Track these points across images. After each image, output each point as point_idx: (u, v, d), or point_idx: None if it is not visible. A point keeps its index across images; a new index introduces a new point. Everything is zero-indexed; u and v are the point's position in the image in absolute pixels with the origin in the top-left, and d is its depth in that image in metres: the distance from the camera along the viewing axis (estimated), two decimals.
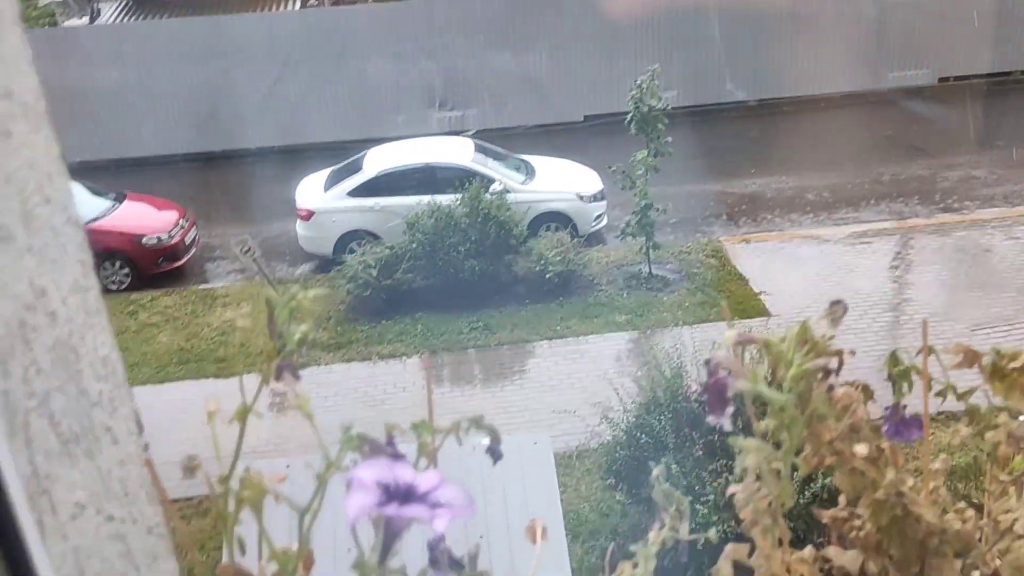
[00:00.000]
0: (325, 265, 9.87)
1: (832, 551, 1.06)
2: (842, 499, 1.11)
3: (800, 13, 12.97)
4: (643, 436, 6.81)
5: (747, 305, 8.50)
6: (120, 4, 15.27)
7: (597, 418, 6.80)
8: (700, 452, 6.58)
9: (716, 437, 6.54)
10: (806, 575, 1.03)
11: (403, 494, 0.70)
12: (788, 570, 1.03)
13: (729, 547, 1.00)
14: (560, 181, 10.12)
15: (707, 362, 0.90)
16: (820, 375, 0.87)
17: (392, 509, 0.68)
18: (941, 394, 1.13)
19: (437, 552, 0.81)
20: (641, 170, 8.63)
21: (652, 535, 1.13)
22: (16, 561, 0.64)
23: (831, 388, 0.87)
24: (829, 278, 8.89)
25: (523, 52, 13.04)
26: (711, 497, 6.15)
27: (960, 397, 1.10)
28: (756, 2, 12.83)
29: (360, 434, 0.86)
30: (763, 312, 8.33)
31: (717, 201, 10.79)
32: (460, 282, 8.98)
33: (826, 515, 1.08)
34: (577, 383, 7.71)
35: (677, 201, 10.04)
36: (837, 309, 0.86)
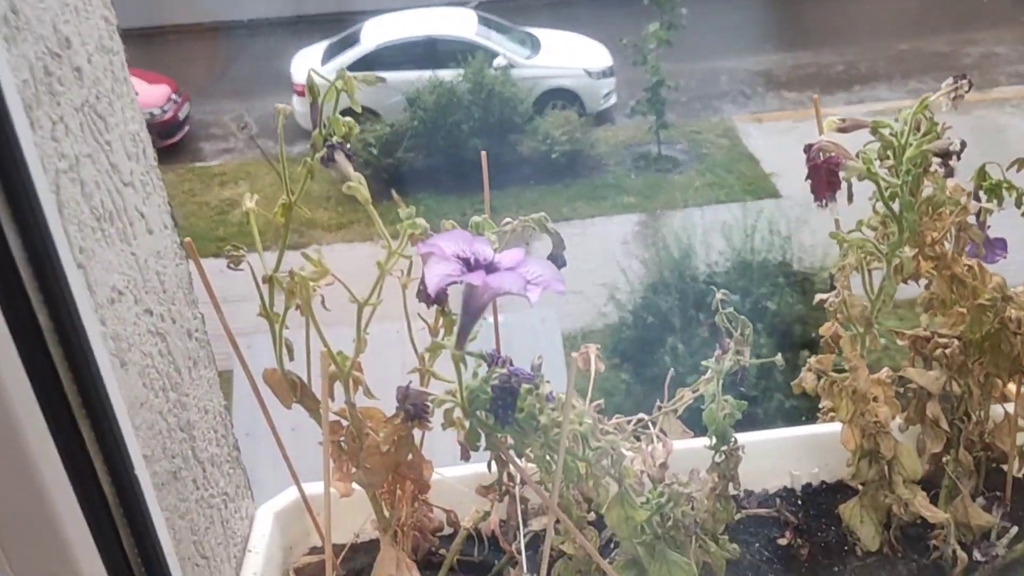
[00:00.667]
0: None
1: (912, 371, 0.99)
2: (924, 318, 1.04)
3: None
4: (649, 317, 6.80)
5: (757, 186, 8.37)
6: None
7: (603, 299, 6.77)
8: (706, 333, 6.59)
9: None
10: (882, 397, 0.96)
11: (486, 268, 0.62)
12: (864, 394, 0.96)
13: (812, 359, 0.94)
14: (567, 56, 9.78)
15: (807, 148, 0.81)
16: (934, 161, 0.78)
17: (478, 278, 0.60)
18: None
19: (498, 361, 0.74)
20: (653, 44, 8.33)
21: (717, 356, 1.07)
22: (68, 337, 0.56)
23: (950, 173, 0.78)
24: None
25: None
26: None
27: None
28: None
29: (422, 223, 0.78)
30: (773, 193, 8.21)
31: (730, 78, 10.47)
32: (463, 162, 8.76)
33: (907, 335, 1.01)
34: (583, 265, 7.64)
35: (689, 78, 9.75)
36: (962, 84, 0.77)
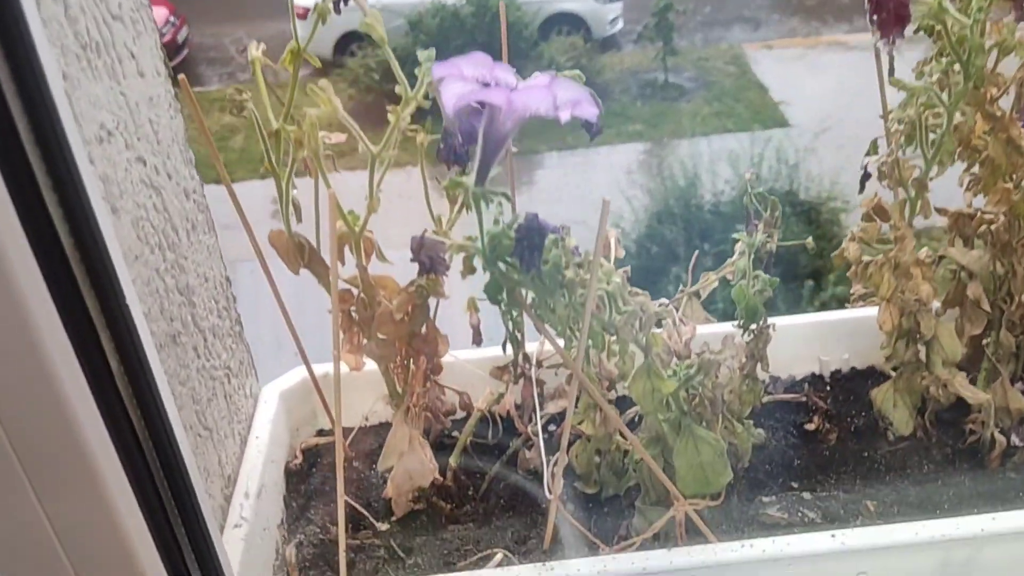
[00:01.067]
0: (324, 68, 9.43)
1: (953, 251, 0.94)
2: (967, 196, 0.98)
3: None
4: (653, 246, 6.75)
5: (765, 115, 8.22)
6: None
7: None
8: (710, 263, 6.54)
9: (728, 247, 6.48)
10: (920, 277, 0.91)
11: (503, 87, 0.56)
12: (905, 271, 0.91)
13: (855, 227, 0.88)
14: None
15: None
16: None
17: (500, 96, 0.53)
18: None
19: (530, 219, 0.68)
20: None
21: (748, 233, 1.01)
22: (56, 166, 0.50)
23: (1022, 16, 0.71)
24: (852, 88, 8.53)
25: None
26: (720, 305, 6.17)
27: None
28: None
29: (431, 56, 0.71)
30: (782, 122, 8.07)
31: (740, 3, 10.21)
32: None
33: (950, 213, 0.95)
34: (587, 194, 7.54)
35: (699, 3, 9.51)
36: None
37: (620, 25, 9.57)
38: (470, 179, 0.60)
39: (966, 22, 0.70)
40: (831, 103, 8.20)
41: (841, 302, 1.03)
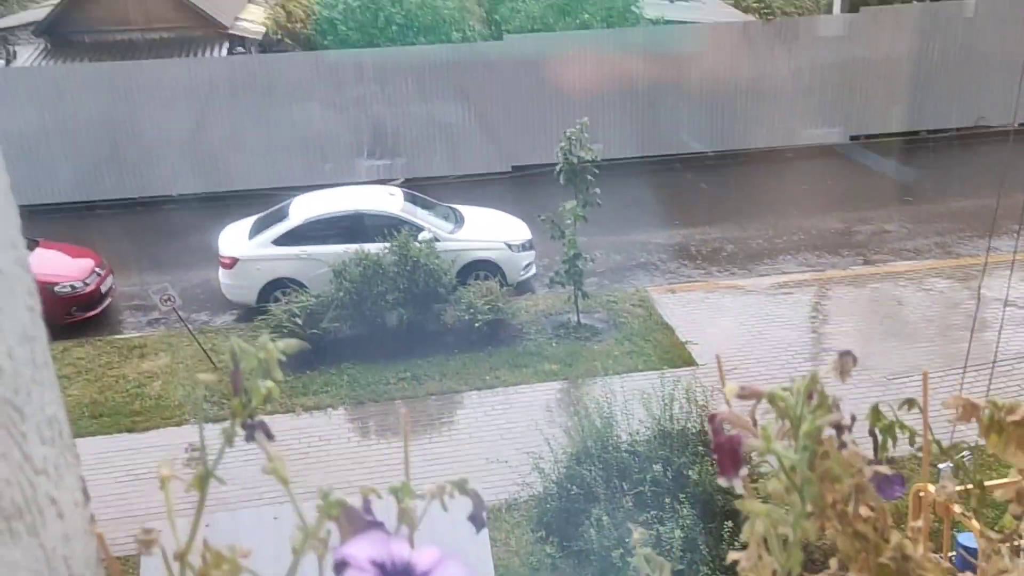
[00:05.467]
0: (248, 314, 9.59)
1: None
2: (833, 563, 1.07)
3: (712, 75, 13.49)
4: (573, 487, 6.76)
5: (673, 354, 8.60)
6: (37, 48, 14.90)
7: (527, 468, 6.72)
8: (630, 503, 6.57)
9: (646, 488, 6.56)
10: None
11: (401, 573, 0.63)
12: None
13: None
14: (489, 230, 10.15)
15: (711, 418, 0.86)
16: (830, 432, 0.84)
17: None
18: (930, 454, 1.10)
19: None
20: (570, 220, 8.73)
21: None
22: None
23: (843, 446, 0.83)
24: (752, 328, 9.09)
25: (451, 103, 13.15)
26: None
27: (945, 452, 1.08)
28: (669, 72, 13.29)
29: (339, 500, 0.78)
30: (689, 361, 8.43)
31: (644, 251, 10.98)
32: (388, 331, 8.86)
33: None
34: (507, 433, 7.63)
35: (605, 251, 10.19)
36: (847, 361, 0.83)
37: (533, 271, 10.15)
38: None
39: (795, 459, 0.82)
40: (735, 343, 8.67)
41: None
